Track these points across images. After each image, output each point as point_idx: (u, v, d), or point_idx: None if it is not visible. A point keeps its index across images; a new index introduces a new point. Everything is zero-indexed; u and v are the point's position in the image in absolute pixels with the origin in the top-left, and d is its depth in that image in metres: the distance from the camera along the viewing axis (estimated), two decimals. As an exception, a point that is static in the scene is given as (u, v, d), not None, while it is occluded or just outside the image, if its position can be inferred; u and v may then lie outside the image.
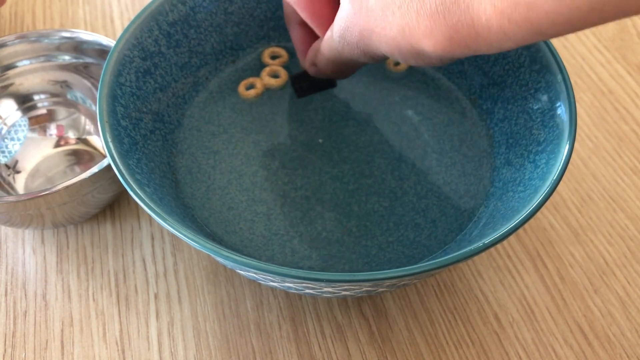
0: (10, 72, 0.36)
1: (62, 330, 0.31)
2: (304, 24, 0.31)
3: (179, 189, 0.31)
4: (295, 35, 0.32)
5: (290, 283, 0.24)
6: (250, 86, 0.35)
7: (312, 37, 0.31)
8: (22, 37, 0.36)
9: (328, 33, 0.28)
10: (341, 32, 0.26)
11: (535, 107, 0.30)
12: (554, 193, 0.36)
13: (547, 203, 0.36)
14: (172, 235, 0.34)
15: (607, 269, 0.33)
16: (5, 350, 0.30)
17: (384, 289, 0.27)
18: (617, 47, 0.44)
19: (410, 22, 0.21)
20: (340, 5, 0.25)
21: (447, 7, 0.20)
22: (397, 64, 0.36)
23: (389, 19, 0.22)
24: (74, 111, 0.38)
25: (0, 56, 0.36)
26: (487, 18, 0.19)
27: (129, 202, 0.36)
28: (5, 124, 0.36)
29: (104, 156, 0.34)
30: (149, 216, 0.35)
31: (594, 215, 0.35)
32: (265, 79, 0.35)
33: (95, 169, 0.29)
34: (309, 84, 0.34)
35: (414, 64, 0.24)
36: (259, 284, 0.32)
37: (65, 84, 0.37)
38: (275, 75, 0.36)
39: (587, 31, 0.45)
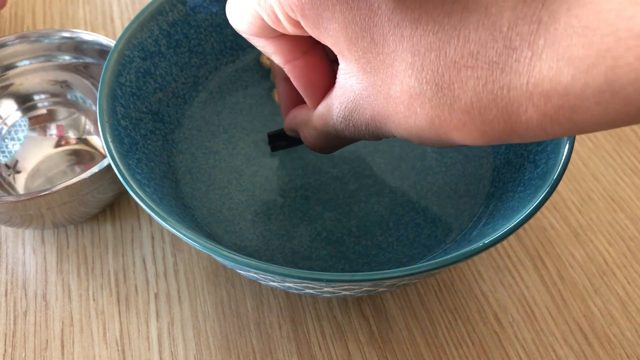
0: (11, 72, 0.36)
1: (62, 330, 0.31)
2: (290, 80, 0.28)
3: (179, 189, 0.31)
4: (281, 91, 0.30)
5: (290, 283, 0.24)
6: None
7: (299, 95, 0.28)
8: (22, 37, 0.36)
9: (321, 107, 0.25)
10: (346, 113, 0.23)
11: (535, 107, 0.30)
12: (554, 193, 0.36)
13: (547, 203, 0.36)
14: (172, 235, 0.34)
15: (607, 269, 0.33)
16: (5, 350, 0.30)
17: (384, 289, 0.27)
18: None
19: (441, 114, 0.20)
20: (343, 83, 0.23)
21: (484, 104, 0.19)
22: None
23: (416, 109, 0.20)
24: (74, 111, 0.38)
25: (0, 56, 0.36)
26: (527, 118, 0.18)
27: (129, 202, 0.36)
28: (5, 124, 0.36)
29: (104, 156, 0.34)
30: (149, 216, 0.35)
31: (594, 215, 0.35)
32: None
33: (95, 169, 0.29)
34: (287, 141, 0.32)
35: (430, 145, 0.22)
36: (259, 284, 0.32)
37: (65, 84, 0.37)
38: None
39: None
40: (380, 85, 0.21)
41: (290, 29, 0.22)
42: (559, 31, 0.16)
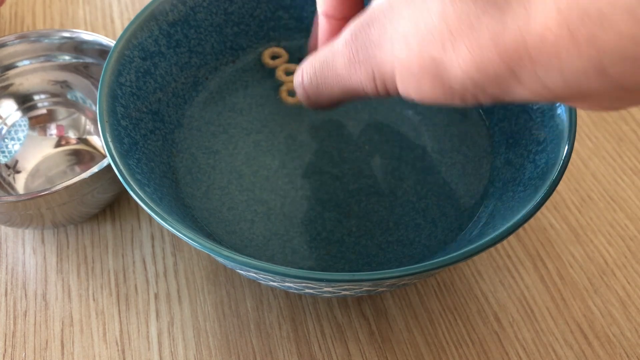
0: (11, 72, 0.36)
1: (62, 330, 0.31)
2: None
3: (179, 189, 0.31)
4: (321, 31, 0.26)
5: (290, 283, 0.24)
6: (292, 93, 0.35)
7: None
8: (22, 37, 0.36)
9: (337, 36, 0.22)
10: (356, 28, 0.20)
11: (535, 107, 0.30)
12: (554, 193, 0.36)
13: (547, 203, 0.36)
14: (172, 235, 0.34)
15: (607, 269, 0.33)
16: (5, 350, 0.30)
17: (384, 289, 0.27)
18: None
19: (459, 5, 0.16)
20: (371, 5, 0.20)
21: None
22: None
23: (432, 4, 0.17)
24: (74, 111, 0.38)
25: (0, 56, 0.36)
26: (545, 22, 0.15)
27: (129, 202, 0.36)
28: (5, 124, 0.36)
29: (104, 156, 0.34)
30: (149, 216, 0.35)
31: (593, 215, 0.35)
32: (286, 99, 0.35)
33: (95, 169, 0.29)
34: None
35: (424, 92, 0.19)
36: (259, 283, 0.32)
37: (65, 84, 0.37)
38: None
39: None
40: None
41: None
42: None
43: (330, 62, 0.22)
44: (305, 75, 0.24)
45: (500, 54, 0.16)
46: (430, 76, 0.18)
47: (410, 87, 0.19)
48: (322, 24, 0.25)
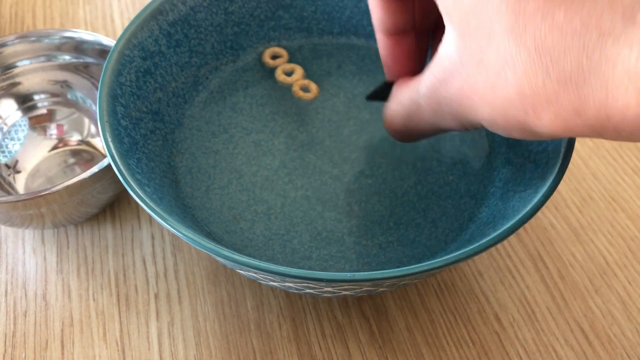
0: (11, 72, 0.36)
1: (62, 330, 0.31)
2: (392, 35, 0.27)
3: (179, 189, 0.31)
4: (382, 49, 0.28)
5: (291, 283, 0.24)
6: (290, 73, 0.36)
7: (403, 56, 0.27)
8: (22, 37, 0.36)
9: (413, 80, 0.24)
10: (434, 84, 0.22)
11: (536, 107, 0.30)
12: (555, 193, 0.36)
13: (548, 203, 0.36)
14: (173, 235, 0.34)
15: (607, 269, 0.33)
16: (5, 350, 0.30)
17: (385, 289, 0.27)
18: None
19: (534, 81, 0.18)
20: (441, 53, 0.22)
21: (583, 76, 0.17)
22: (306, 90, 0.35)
23: (507, 75, 0.18)
24: (74, 111, 0.38)
25: (0, 56, 0.36)
26: (624, 103, 0.16)
27: (129, 202, 0.36)
28: (5, 124, 0.36)
29: (104, 156, 0.34)
30: (149, 216, 0.35)
31: (594, 215, 0.35)
32: (298, 93, 0.35)
33: (95, 169, 0.29)
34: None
35: (514, 136, 0.21)
36: (259, 283, 0.32)
37: (65, 84, 0.37)
38: (306, 90, 0.35)
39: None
40: (475, 50, 0.20)
41: None
42: None
43: (416, 113, 0.25)
44: (393, 123, 0.27)
45: (585, 123, 0.18)
46: (517, 129, 0.20)
47: (498, 131, 0.21)
48: (382, 42, 0.27)
